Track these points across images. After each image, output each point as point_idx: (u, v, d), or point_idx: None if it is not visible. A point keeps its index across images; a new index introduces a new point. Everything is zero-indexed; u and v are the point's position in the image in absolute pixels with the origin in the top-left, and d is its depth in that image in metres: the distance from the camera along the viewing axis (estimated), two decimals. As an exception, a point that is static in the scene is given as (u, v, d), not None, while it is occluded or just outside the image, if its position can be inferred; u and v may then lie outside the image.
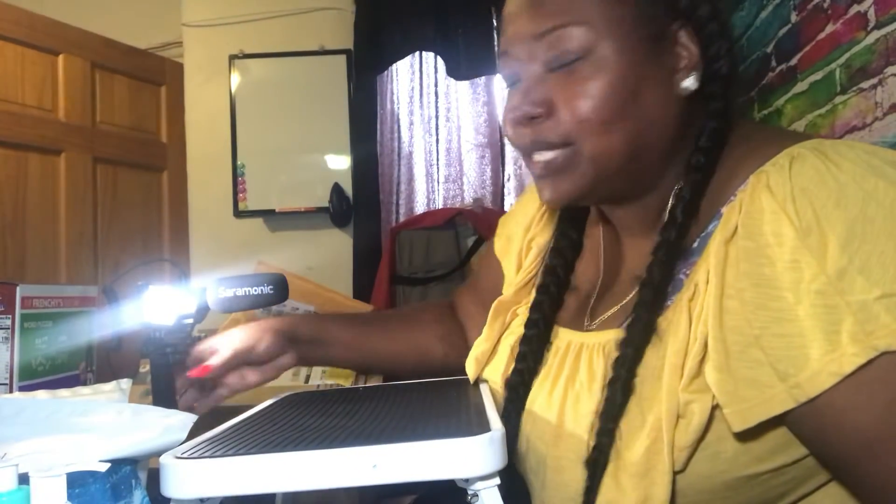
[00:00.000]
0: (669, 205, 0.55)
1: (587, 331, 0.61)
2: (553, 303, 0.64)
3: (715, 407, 0.47)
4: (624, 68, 0.52)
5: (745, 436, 0.46)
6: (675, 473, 0.48)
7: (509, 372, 0.63)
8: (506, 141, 2.28)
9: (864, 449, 0.43)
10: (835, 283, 0.43)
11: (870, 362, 0.41)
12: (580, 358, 0.58)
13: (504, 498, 0.41)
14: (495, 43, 2.55)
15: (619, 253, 0.64)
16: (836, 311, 0.43)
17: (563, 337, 0.62)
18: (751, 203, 0.49)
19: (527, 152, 0.57)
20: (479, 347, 0.68)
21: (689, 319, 0.50)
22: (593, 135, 0.52)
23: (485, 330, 0.68)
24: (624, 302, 0.59)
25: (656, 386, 0.49)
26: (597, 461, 0.50)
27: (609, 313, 0.60)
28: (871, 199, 0.44)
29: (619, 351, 0.52)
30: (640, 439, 0.49)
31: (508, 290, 0.71)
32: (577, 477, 0.53)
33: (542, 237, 0.71)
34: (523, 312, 0.68)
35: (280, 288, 0.67)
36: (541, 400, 0.60)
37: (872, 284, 0.42)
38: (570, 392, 0.57)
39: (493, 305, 0.69)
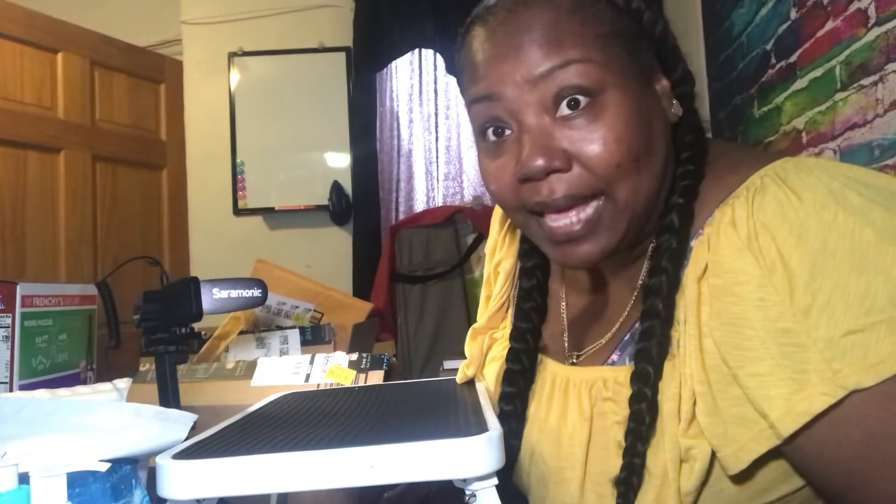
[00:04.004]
0: (656, 232, 0.54)
1: (570, 364, 0.60)
2: (535, 331, 0.63)
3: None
4: (635, 103, 0.50)
5: (745, 472, 0.46)
6: None
7: (496, 403, 0.62)
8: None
9: (847, 484, 0.43)
10: (800, 321, 0.43)
11: (841, 401, 0.41)
12: (568, 395, 0.58)
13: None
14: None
15: (592, 285, 0.62)
16: (804, 349, 0.42)
17: (549, 368, 0.61)
18: (717, 240, 0.49)
19: (544, 209, 0.51)
20: (465, 370, 0.67)
21: (674, 363, 0.50)
22: (627, 177, 0.49)
23: (466, 352, 0.68)
24: (607, 338, 0.58)
25: (658, 432, 0.49)
26: (628, 480, 0.49)
27: (593, 348, 0.59)
28: (831, 230, 0.43)
29: (637, 367, 0.50)
30: (647, 488, 0.49)
31: (481, 318, 0.70)
32: None
33: (507, 262, 0.69)
34: (501, 337, 0.67)
35: (264, 291, 0.74)
36: (534, 437, 0.59)
37: (837, 321, 0.42)
38: (563, 430, 0.56)
39: (469, 333, 0.69)
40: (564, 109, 0.49)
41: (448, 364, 1.74)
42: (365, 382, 0.88)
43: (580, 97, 0.49)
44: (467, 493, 0.41)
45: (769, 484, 0.47)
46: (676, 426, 0.48)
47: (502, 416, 0.60)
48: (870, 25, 1.14)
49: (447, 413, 0.51)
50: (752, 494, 0.48)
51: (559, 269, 0.66)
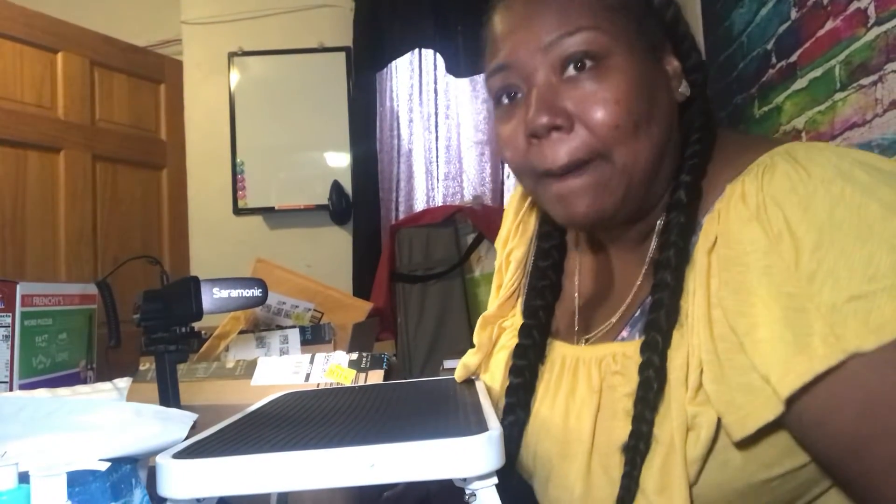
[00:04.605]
0: (665, 209, 0.56)
1: (580, 345, 0.61)
2: (548, 308, 0.64)
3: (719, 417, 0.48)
4: (639, 73, 0.52)
5: (750, 443, 0.47)
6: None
7: (506, 387, 0.63)
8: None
9: (847, 450, 0.44)
10: (805, 286, 0.44)
11: (842, 364, 0.42)
12: (577, 373, 0.58)
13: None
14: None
15: (603, 266, 0.63)
16: (807, 314, 0.44)
17: (558, 350, 0.62)
18: (727, 213, 0.50)
19: (546, 173, 0.53)
20: (469, 358, 0.68)
21: (682, 332, 0.51)
22: (626, 140, 0.51)
23: (475, 340, 0.69)
24: (617, 316, 0.59)
25: (665, 400, 0.50)
26: (636, 447, 0.50)
27: (603, 328, 0.60)
28: (838, 203, 0.45)
29: (647, 337, 0.52)
30: (653, 456, 0.49)
31: (492, 306, 0.71)
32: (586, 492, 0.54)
33: (518, 250, 0.70)
34: (511, 326, 0.68)
35: (264, 290, 0.74)
36: (542, 415, 0.60)
37: (840, 288, 0.43)
38: (571, 406, 0.57)
39: (479, 321, 0.70)
40: (571, 71, 0.52)
41: (448, 364, 1.73)
42: (365, 382, 0.88)
43: (587, 60, 0.52)
44: (467, 492, 0.41)
45: (774, 458, 0.48)
46: (684, 394, 0.49)
47: (511, 389, 0.61)
48: (869, 25, 1.14)
49: (447, 412, 0.51)
50: (757, 468, 0.48)
51: (572, 250, 0.67)
